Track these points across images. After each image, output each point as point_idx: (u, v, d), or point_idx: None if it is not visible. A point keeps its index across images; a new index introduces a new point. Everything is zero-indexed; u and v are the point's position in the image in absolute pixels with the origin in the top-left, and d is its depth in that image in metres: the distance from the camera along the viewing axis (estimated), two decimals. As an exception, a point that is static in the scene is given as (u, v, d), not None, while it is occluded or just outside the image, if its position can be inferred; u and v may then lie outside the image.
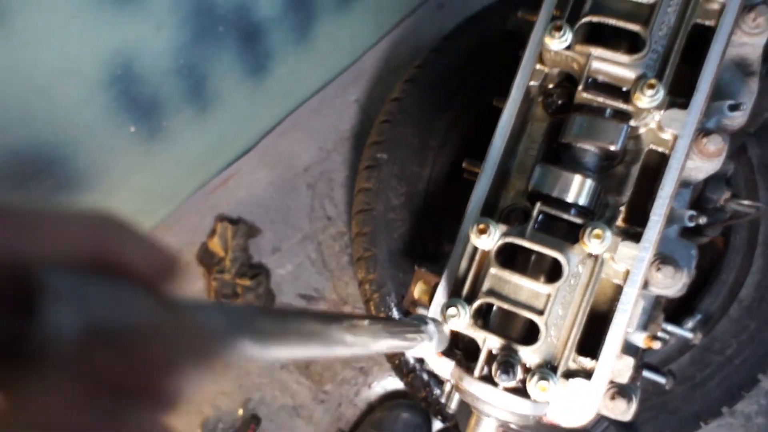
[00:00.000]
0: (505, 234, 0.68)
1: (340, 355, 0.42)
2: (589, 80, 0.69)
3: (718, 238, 1.32)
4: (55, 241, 0.22)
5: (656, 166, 0.73)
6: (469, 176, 0.85)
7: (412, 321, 0.59)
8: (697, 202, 1.02)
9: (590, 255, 0.67)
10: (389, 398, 1.60)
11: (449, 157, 1.36)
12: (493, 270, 0.67)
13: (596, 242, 0.64)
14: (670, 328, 1.03)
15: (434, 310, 0.69)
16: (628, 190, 0.74)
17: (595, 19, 0.67)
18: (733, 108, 0.81)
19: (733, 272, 1.30)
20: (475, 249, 0.70)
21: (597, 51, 0.67)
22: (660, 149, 0.73)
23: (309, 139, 1.69)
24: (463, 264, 0.70)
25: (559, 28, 0.67)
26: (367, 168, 1.36)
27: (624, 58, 0.67)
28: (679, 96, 0.73)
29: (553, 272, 0.68)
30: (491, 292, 0.67)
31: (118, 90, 1.15)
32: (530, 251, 0.68)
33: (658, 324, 0.94)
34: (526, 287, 0.67)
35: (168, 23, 1.14)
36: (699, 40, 0.75)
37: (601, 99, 0.69)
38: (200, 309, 0.28)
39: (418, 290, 0.83)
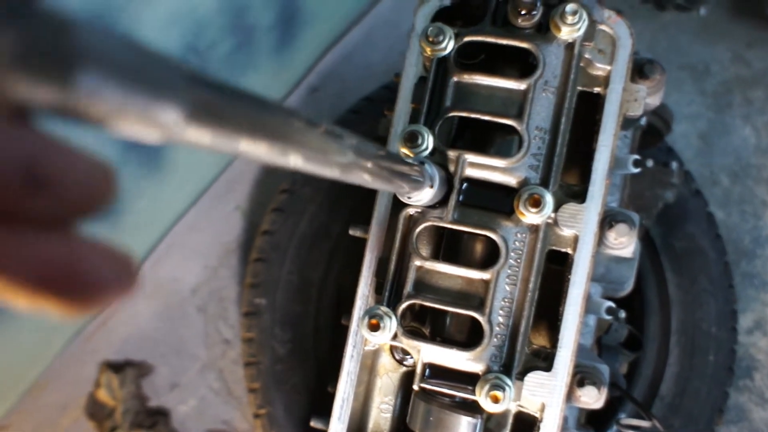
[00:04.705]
0: None
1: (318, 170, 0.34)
2: (427, 372, 0.57)
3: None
4: None
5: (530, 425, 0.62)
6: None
7: (413, 161, 0.54)
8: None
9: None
10: None
11: (335, 288, 1.22)
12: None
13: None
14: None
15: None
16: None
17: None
18: (611, 312, 0.70)
19: (651, 365, 1.22)
20: None
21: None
22: (531, 412, 0.61)
23: (190, 258, 1.53)
24: None
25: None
26: (246, 315, 1.22)
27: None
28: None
29: None
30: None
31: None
32: None
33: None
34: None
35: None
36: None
37: (444, 389, 0.56)
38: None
39: None
